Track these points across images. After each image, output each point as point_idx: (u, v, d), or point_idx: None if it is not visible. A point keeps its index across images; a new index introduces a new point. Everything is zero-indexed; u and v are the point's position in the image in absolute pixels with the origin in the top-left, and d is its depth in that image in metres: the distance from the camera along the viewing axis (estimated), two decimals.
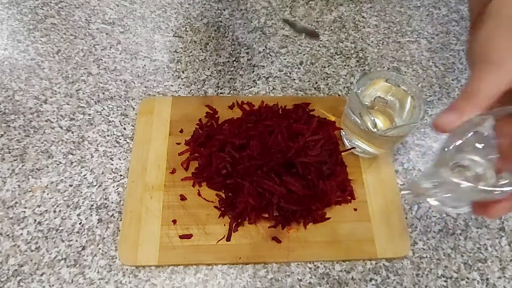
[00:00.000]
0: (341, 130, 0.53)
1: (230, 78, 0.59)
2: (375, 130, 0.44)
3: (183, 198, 0.48)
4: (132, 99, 0.56)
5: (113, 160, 0.51)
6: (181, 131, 0.53)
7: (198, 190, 0.49)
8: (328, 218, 0.47)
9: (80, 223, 0.47)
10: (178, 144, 0.52)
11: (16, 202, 0.48)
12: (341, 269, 0.46)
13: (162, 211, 0.47)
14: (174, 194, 0.48)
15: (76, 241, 0.46)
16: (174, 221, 0.46)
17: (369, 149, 0.50)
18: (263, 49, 0.62)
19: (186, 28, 0.64)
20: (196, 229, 0.46)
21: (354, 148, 0.51)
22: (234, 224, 0.46)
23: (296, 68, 0.61)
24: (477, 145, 0.29)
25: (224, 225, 0.47)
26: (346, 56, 0.63)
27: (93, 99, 0.56)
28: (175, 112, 0.54)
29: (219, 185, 0.48)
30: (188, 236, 0.46)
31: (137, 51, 0.61)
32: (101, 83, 0.58)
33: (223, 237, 0.46)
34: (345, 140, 0.53)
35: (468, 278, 0.46)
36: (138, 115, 0.54)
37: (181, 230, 0.46)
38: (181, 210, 0.47)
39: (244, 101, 0.55)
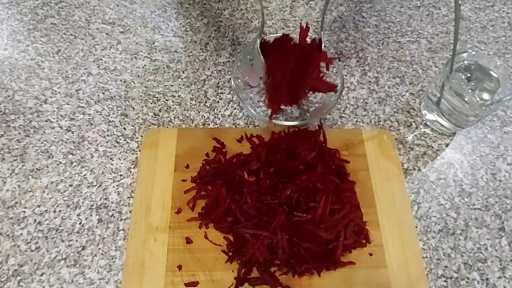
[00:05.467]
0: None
1: (230, 78, 0.59)
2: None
3: (189, 241, 0.45)
4: (132, 99, 0.56)
5: (113, 160, 0.51)
6: (187, 166, 0.50)
7: (205, 232, 0.46)
8: (343, 266, 0.45)
9: (80, 223, 0.47)
10: (184, 181, 0.49)
11: (16, 202, 0.48)
12: None
13: (167, 255, 0.44)
14: (179, 236, 0.45)
15: (76, 241, 0.46)
16: (180, 267, 0.44)
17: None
18: None
19: (186, 28, 0.64)
20: (202, 276, 0.43)
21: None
22: (242, 272, 0.44)
23: None
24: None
25: (232, 271, 0.44)
26: (346, 56, 0.63)
27: (93, 99, 0.56)
28: (180, 145, 0.51)
29: (226, 230, 0.46)
30: (195, 284, 0.43)
31: (137, 51, 0.61)
32: (101, 83, 0.58)
33: (232, 285, 0.43)
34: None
35: (468, 278, 0.46)
36: (142, 149, 0.51)
37: (187, 277, 0.43)
38: (187, 254, 0.44)
39: (253, 134, 0.53)
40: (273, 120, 0.50)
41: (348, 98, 0.59)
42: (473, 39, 0.66)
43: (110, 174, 0.50)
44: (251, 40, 0.63)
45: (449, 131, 0.56)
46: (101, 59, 0.60)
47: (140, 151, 0.52)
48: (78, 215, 0.47)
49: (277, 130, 0.52)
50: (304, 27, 0.51)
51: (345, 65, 0.62)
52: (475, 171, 0.53)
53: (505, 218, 0.50)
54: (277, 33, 0.64)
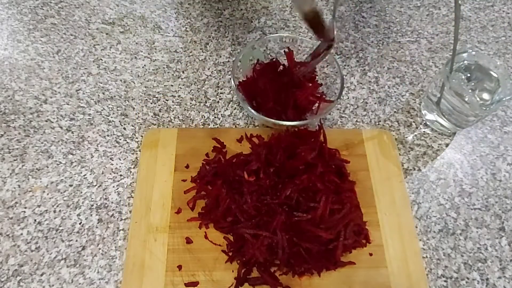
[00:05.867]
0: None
1: (230, 78, 0.59)
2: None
3: (189, 241, 0.45)
4: (132, 99, 0.56)
5: (113, 160, 0.51)
6: (187, 166, 0.50)
7: (205, 232, 0.46)
8: (343, 266, 0.45)
9: (80, 223, 0.47)
10: (184, 181, 0.49)
11: (16, 202, 0.48)
12: None
13: (167, 255, 0.44)
14: (179, 237, 0.45)
15: (76, 241, 0.46)
16: (180, 267, 0.44)
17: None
18: (264, 50, 0.62)
19: (186, 28, 0.64)
20: (202, 276, 0.43)
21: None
22: (242, 272, 0.44)
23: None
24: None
25: (232, 271, 0.44)
26: (346, 56, 0.63)
27: (93, 99, 0.56)
28: (180, 145, 0.51)
29: (226, 230, 0.46)
30: (195, 284, 0.43)
31: (137, 51, 0.61)
32: (101, 83, 0.58)
33: (232, 285, 0.43)
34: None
35: (468, 278, 0.46)
36: (142, 149, 0.51)
37: (187, 277, 0.43)
38: (187, 254, 0.45)
39: (253, 134, 0.53)
40: (273, 120, 0.50)
41: (348, 98, 0.59)
42: (473, 39, 0.66)
43: (110, 174, 0.50)
44: (251, 40, 0.63)
45: (449, 131, 0.56)
46: (101, 59, 0.60)
47: (140, 151, 0.52)
48: (78, 215, 0.47)
49: (277, 130, 0.52)
50: (288, 51, 0.55)
51: (345, 65, 0.62)
52: (475, 171, 0.53)
53: (505, 218, 0.50)
54: (277, 33, 0.64)
